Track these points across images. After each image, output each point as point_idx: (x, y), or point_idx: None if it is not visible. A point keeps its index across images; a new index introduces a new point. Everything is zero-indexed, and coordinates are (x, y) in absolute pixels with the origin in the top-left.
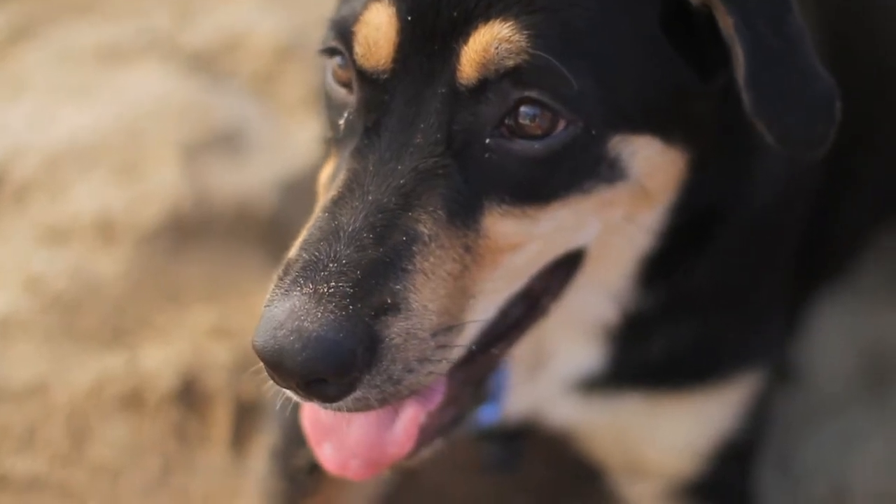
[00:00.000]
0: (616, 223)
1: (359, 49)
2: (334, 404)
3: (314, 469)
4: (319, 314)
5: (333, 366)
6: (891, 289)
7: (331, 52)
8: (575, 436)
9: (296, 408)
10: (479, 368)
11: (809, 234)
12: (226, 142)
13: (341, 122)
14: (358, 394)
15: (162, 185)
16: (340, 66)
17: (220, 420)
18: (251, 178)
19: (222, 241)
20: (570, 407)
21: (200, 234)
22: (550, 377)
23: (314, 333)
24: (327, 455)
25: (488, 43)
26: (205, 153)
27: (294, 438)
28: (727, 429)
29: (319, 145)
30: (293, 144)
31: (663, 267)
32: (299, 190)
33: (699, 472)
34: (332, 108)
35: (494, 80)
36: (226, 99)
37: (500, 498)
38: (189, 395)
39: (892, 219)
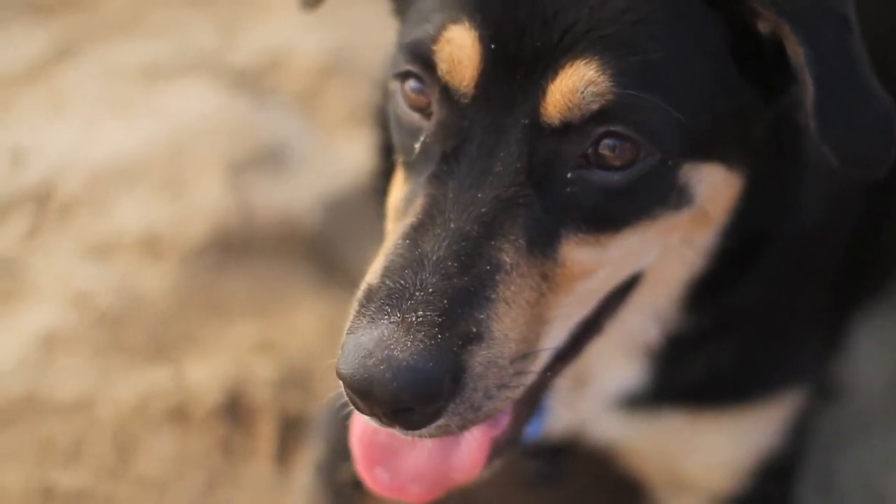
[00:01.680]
0: (673, 246)
1: (443, 66)
2: (417, 432)
3: (358, 484)
4: (409, 343)
5: (422, 395)
6: None
7: (404, 75)
8: (617, 451)
9: (341, 423)
10: (537, 388)
11: (851, 252)
12: (270, 159)
13: (416, 145)
14: (441, 421)
15: (206, 202)
16: (414, 91)
17: (265, 434)
18: (295, 195)
19: (266, 257)
20: (612, 423)
21: (245, 250)
22: (594, 394)
23: (405, 363)
24: (382, 479)
25: (574, 87)
26: (249, 170)
27: (339, 453)
28: (768, 445)
29: (369, 166)
30: (337, 162)
31: (710, 288)
32: (343, 207)
33: (739, 488)
34: (403, 131)
35: (579, 122)
36: (270, 116)
37: None
38: (234, 410)
39: None
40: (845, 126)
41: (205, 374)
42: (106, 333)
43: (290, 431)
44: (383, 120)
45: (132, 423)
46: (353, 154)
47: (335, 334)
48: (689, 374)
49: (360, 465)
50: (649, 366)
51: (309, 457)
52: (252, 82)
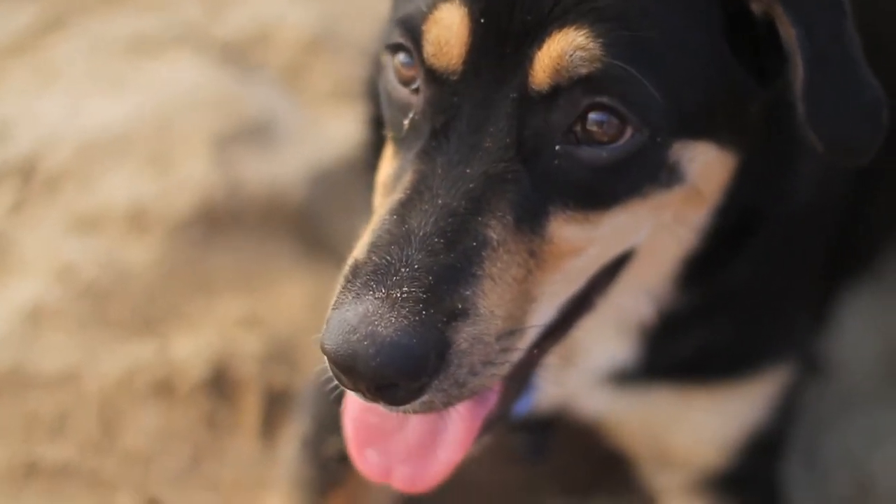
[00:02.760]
0: (665, 224)
1: (429, 48)
2: (400, 408)
3: (344, 458)
4: (394, 319)
5: (406, 371)
6: None
7: (395, 48)
8: (605, 426)
9: (326, 397)
10: (526, 365)
11: (838, 229)
12: (256, 133)
13: (406, 121)
14: (425, 398)
15: (193, 176)
16: (404, 65)
17: (251, 408)
18: (281, 168)
19: (253, 231)
20: (600, 399)
21: (231, 224)
22: (582, 370)
23: (388, 339)
24: (372, 461)
25: (563, 50)
26: (235, 144)
27: (324, 427)
28: (755, 421)
29: (358, 138)
30: (323, 135)
31: (703, 267)
32: (329, 181)
33: (726, 463)
34: (393, 106)
35: (567, 86)
36: (256, 90)
37: (528, 487)
38: (219, 384)
39: None
40: (833, 110)
41: (190, 348)
42: (91, 307)
43: (276, 406)
44: (373, 92)
45: (117, 397)
46: (340, 128)
47: (321, 309)
48: (679, 351)
49: (352, 445)
50: (639, 342)
51: (294, 431)
52: (239, 56)
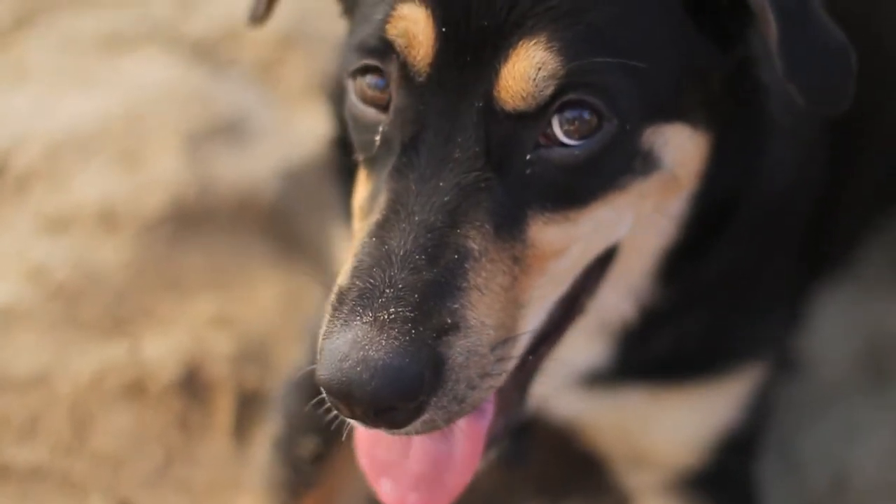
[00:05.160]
0: (647, 215)
1: (401, 41)
2: (402, 430)
3: (317, 459)
4: (384, 342)
5: (403, 392)
6: (893, 279)
7: (362, 71)
8: (578, 428)
9: (299, 398)
10: (524, 374)
11: (813, 223)
12: (228, 130)
13: (376, 138)
14: (426, 416)
15: (164, 174)
16: (371, 87)
17: (223, 409)
18: (253, 166)
19: (224, 229)
20: (574, 400)
21: (203, 222)
22: (556, 373)
23: (381, 362)
24: (386, 491)
25: (525, 73)
26: (207, 142)
27: (297, 428)
28: (729, 420)
29: (327, 135)
30: (295, 133)
31: (682, 259)
32: (301, 179)
33: (700, 462)
34: (360, 128)
35: (535, 111)
36: (228, 87)
37: (505, 489)
38: (191, 385)
39: (894, 208)
40: (808, 61)
41: (162, 348)
42: (62, 308)
43: (248, 406)
44: (340, 91)
45: (88, 398)
46: (312, 125)
47: (293, 308)
48: (653, 351)
49: (368, 477)
50: (614, 343)
51: (267, 432)
52: (210, 53)
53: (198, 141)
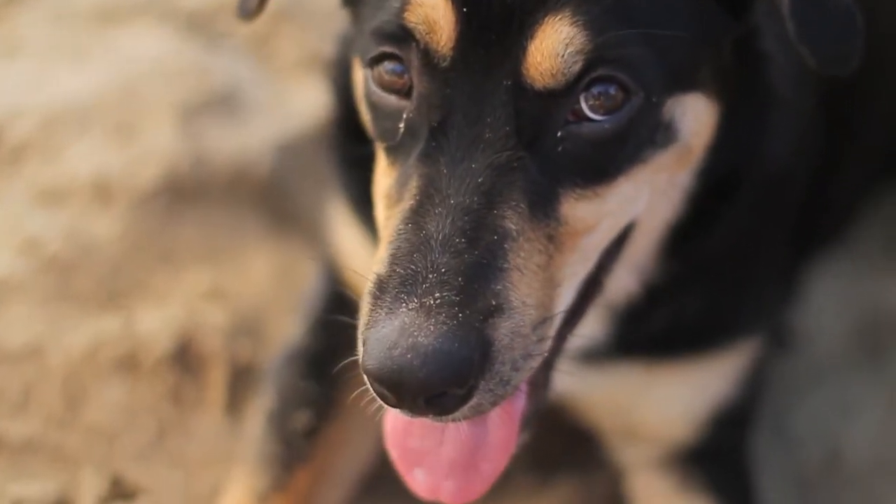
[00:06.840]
0: (660, 189)
1: (421, 28)
2: (450, 416)
3: (310, 433)
4: (432, 327)
5: (454, 377)
6: (888, 254)
7: (378, 59)
8: (572, 403)
9: (291, 371)
10: (550, 355)
11: (808, 198)
12: (222, 103)
13: (400, 125)
14: (474, 401)
15: (158, 147)
16: (390, 73)
17: (216, 383)
18: (248, 139)
19: (219, 202)
20: (568, 376)
21: (197, 195)
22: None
23: (430, 347)
24: (420, 480)
25: (554, 50)
26: (201, 115)
27: (289, 401)
28: (723, 395)
29: (326, 116)
30: (290, 106)
31: (686, 234)
32: (296, 151)
33: (694, 437)
34: (381, 116)
35: (564, 87)
36: (222, 60)
37: None
38: (184, 358)
39: (890, 185)
40: (819, 24)
41: (155, 321)
42: (55, 281)
43: (241, 380)
44: (342, 73)
45: (82, 371)
46: (306, 99)
47: (287, 281)
48: (651, 327)
49: (399, 469)
50: (611, 320)
51: (260, 406)
52: (204, 25)
53: (192, 114)
